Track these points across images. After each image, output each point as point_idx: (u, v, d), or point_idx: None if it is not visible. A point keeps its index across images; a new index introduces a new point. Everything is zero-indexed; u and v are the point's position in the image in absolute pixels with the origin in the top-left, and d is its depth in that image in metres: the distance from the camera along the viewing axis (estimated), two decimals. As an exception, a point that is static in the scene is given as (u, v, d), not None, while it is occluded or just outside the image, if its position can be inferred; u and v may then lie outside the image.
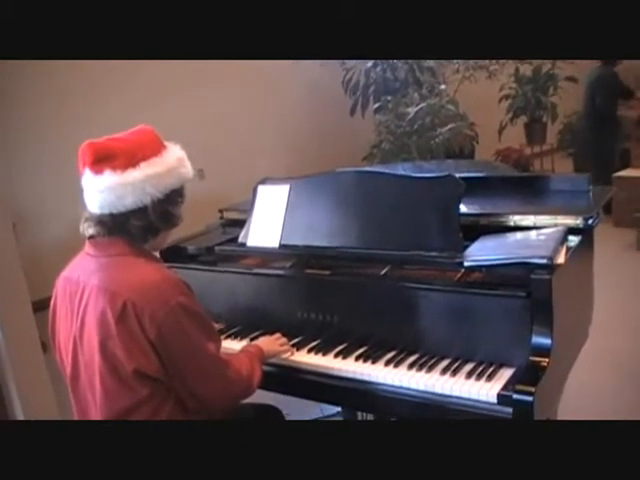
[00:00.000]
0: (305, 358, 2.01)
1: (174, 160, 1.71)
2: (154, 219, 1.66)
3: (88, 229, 1.68)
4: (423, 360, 1.88)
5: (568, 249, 1.92)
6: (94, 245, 1.69)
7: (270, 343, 2.01)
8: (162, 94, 5.93)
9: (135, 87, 5.88)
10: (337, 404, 1.72)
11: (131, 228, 1.65)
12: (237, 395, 1.80)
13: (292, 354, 2.02)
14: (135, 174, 1.62)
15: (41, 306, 3.17)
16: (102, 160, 1.62)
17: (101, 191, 1.61)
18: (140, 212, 1.64)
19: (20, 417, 2.79)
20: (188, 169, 1.76)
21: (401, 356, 1.92)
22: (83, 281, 1.65)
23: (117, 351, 1.56)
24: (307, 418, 2.87)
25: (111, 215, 1.64)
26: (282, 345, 2.02)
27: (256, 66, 6.48)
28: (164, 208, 1.68)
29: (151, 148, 1.69)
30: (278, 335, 2.06)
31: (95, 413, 1.65)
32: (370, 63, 6.76)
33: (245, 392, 1.80)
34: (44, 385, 2.87)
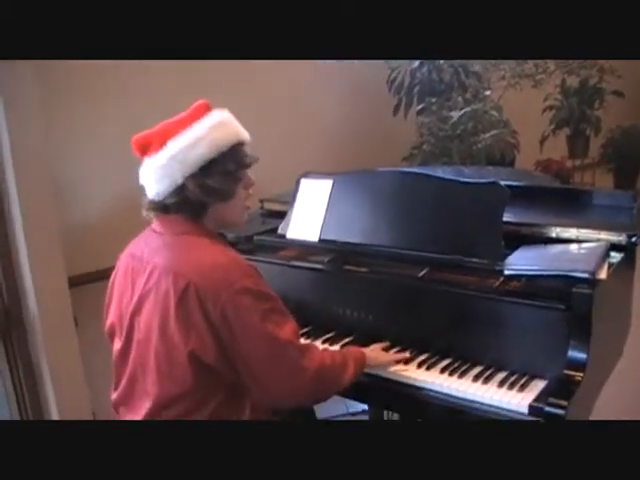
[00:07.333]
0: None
1: (204, 129, 1.62)
2: (195, 196, 1.61)
3: (149, 213, 1.70)
4: (455, 365, 1.88)
5: (610, 265, 1.91)
6: (160, 221, 1.69)
7: (378, 352, 1.93)
8: (212, 86, 5.94)
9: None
10: (365, 402, 1.71)
11: (182, 209, 1.64)
12: (312, 391, 1.67)
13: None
14: (162, 154, 1.61)
15: (77, 282, 3.20)
16: (143, 150, 1.66)
17: (145, 180, 1.66)
18: (179, 191, 1.62)
19: (50, 390, 2.84)
20: (224, 133, 1.65)
21: (434, 359, 1.92)
22: (147, 259, 1.64)
23: (175, 332, 1.53)
24: (333, 414, 2.89)
25: (160, 201, 1.65)
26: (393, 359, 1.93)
27: (302, 63, 6.50)
28: (202, 182, 1.61)
29: (183, 123, 1.63)
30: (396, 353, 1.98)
31: (142, 390, 1.63)
32: (416, 63, 6.70)
33: (325, 389, 1.69)
34: (75, 359, 2.91)
